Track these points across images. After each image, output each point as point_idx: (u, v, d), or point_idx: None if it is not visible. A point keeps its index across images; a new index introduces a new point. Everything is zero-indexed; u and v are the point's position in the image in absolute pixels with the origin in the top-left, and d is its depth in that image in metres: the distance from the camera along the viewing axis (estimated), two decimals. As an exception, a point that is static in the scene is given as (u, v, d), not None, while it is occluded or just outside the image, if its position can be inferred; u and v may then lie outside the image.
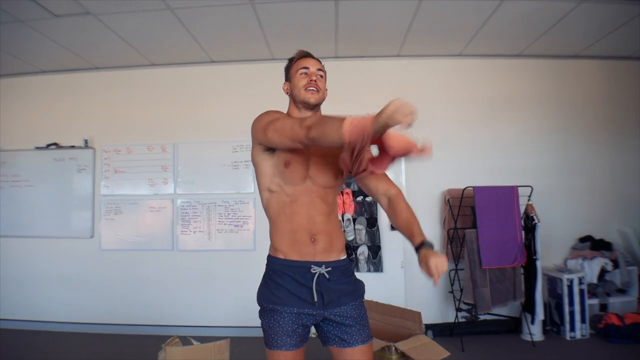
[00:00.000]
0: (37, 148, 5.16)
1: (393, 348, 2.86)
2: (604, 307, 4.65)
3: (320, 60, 2.02)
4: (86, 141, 5.10)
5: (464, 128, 4.90)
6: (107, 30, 4.13)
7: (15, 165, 5.19)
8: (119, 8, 3.73)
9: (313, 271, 1.82)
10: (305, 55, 1.99)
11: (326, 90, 1.99)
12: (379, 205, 4.59)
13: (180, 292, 4.93)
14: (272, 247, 1.91)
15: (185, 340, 3.02)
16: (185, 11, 3.81)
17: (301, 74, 1.92)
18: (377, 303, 3.39)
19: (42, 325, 5.01)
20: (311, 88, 1.90)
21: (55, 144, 5.14)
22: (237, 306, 4.75)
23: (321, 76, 1.95)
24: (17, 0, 3.52)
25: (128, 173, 5.07)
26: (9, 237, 5.15)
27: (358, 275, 2.02)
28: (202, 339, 3.02)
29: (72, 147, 5.12)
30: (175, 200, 5.00)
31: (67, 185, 5.12)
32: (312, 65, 1.94)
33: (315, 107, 1.93)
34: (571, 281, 4.40)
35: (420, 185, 4.82)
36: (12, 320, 5.06)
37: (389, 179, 2.04)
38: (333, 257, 1.89)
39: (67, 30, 4.15)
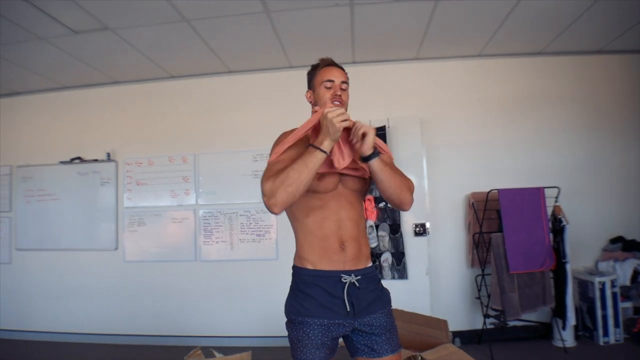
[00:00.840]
0: (62, 162, 5.25)
1: (419, 358, 2.79)
2: (638, 310, 4.48)
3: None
4: (109, 154, 5.16)
5: (486, 129, 4.80)
6: (125, 44, 4.18)
7: (41, 180, 5.29)
8: (136, 22, 3.78)
9: (344, 280, 1.79)
10: (330, 64, 1.95)
11: (348, 98, 1.97)
12: (401, 211, 4.53)
13: (203, 303, 4.93)
14: (299, 256, 1.87)
15: (207, 352, 3.00)
16: (200, 22, 3.83)
17: (325, 87, 1.90)
18: (402, 311, 3.32)
19: (69, 337, 5.08)
20: (336, 102, 1.87)
21: (79, 158, 5.23)
22: (261, 316, 4.74)
23: (344, 89, 1.92)
24: (37, 18, 3.60)
25: (150, 185, 5.11)
26: (37, 251, 5.25)
27: (382, 282, 1.98)
28: (226, 350, 3.00)
29: (95, 160, 5.19)
30: (197, 210, 5.02)
31: (91, 198, 5.19)
32: (336, 78, 1.90)
33: None
34: (603, 284, 4.26)
35: (443, 190, 4.76)
36: (41, 332, 5.15)
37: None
38: (362, 265, 1.86)
39: (86, 46, 4.22)
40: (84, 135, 5.29)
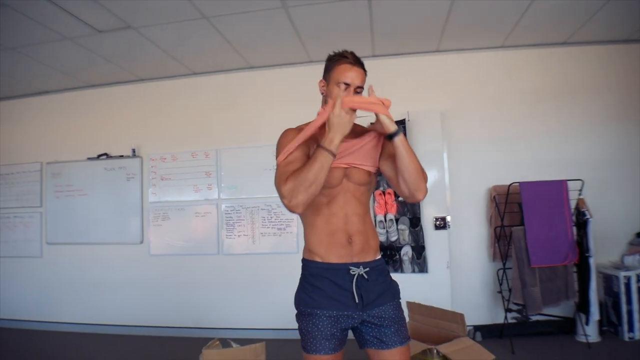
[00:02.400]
0: (89, 159, 5.41)
1: (435, 351, 2.80)
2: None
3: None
4: (134, 150, 5.29)
5: (509, 121, 4.72)
6: (148, 42, 4.27)
7: (69, 176, 5.46)
8: (157, 20, 3.85)
9: (352, 272, 1.81)
10: (351, 62, 1.84)
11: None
12: (421, 205, 4.52)
13: (226, 295, 5.02)
14: (308, 250, 1.90)
15: (225, 343, 3.06)
16: (219, 19, 3.88)
17: (340, 87, 1.83)
18: (419, 304, 3.32)
19: (96, 328, 5.25)
20: None
21: (105, 154, 5.37)
22: (281, 308, 4.75)
23: (358, 92, 1.85)
24: (63, 19, 3.71)
25: (174, 180, 5.21)
26: (66, 244, 5.43)
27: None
28: (244, 342, 3.05)
29: (121, 156, 5.33)
30: (220, 205, 5.10)
31: (117, 193, 5.33)
32: (353, 81, 1.82)
33: None
34: (628, 278, 4.16)
35: (465, 183, 4.71)
36: (70, 323, 5.34)
37: None
38: (370, 257, 1.88)
39: (110, 45, 4.32)
40: (109, 132, 5.43)
